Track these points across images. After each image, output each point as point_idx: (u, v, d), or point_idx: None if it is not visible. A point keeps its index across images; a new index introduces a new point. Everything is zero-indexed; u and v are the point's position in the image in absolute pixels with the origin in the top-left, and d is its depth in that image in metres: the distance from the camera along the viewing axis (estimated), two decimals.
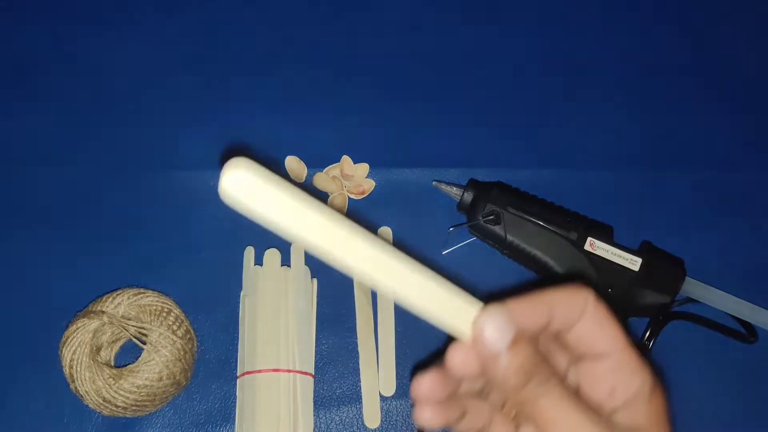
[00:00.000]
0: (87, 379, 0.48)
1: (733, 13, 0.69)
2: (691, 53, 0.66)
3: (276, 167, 0.59)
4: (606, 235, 0.54)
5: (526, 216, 0.54)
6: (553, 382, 0.29)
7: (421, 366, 0.54)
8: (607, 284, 0.52)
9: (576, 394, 0.30)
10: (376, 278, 0.27)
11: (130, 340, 0.50)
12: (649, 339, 0.53)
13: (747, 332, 0.54)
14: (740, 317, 0.54)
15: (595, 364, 0.31)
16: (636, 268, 0.52)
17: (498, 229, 0.54)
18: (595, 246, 0.53)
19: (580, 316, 0.31)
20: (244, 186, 0.24)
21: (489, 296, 0.28)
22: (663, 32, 0.67)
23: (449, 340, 0.30)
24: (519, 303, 0.30)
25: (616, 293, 0.52)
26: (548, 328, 0.31)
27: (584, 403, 0.29)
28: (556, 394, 0.29)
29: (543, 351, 0.33)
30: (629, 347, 0.31)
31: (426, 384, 0.31)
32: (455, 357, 0.29)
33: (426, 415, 0.31)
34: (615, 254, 0.53)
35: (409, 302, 0.28)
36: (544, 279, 0.55)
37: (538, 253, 0.53)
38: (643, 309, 0.53)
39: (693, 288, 0.54)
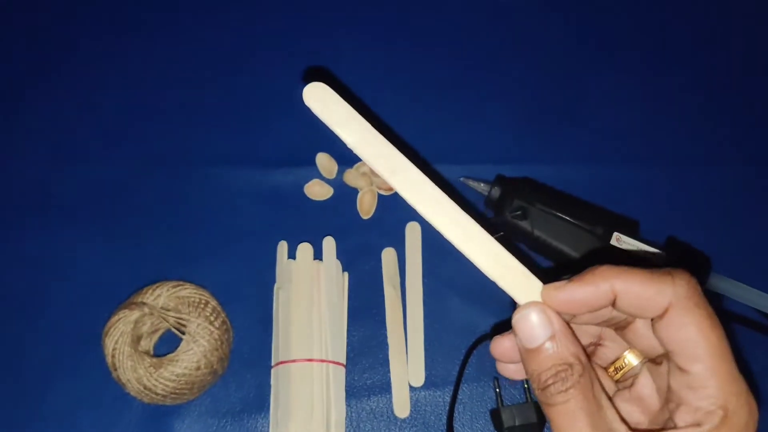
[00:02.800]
0: (129, 367, 0.49)
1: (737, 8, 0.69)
2: (712, 50, 0.67)
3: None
4: (632, 230, 0.54)
5: (552, 211, 0.54)
6: (574, 391, 0.27)
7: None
8: None
9: (599, 409, 0.27)
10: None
11: (170, 330, 0.52)
12: None
13: None
14: (765, 311, 0.55)
15: (677, 373, 0.28)
16: (661, 263, 0.53)
17: (525, 225, 0.54)
18: (621, 241, 0.53)
19: (666, 311, 0.27)
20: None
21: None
22: (681, 32, 0.68)
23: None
24: (576, 286, 0.28)
25: None
26: (615, 312, 0.29)
27: (603, 422, 0.27)
28: (571, 406, 0.27)
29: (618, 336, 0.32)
30: (721, 370, 0.26)
31: (499, 349, 0.32)
32: (496, 347, 0.31)
33: (510, 369, 0.33)
34: (640, 249, 0.53)
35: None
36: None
37: (565, 248, 0.54)
38: None
39: (718, 282, 0.54)
